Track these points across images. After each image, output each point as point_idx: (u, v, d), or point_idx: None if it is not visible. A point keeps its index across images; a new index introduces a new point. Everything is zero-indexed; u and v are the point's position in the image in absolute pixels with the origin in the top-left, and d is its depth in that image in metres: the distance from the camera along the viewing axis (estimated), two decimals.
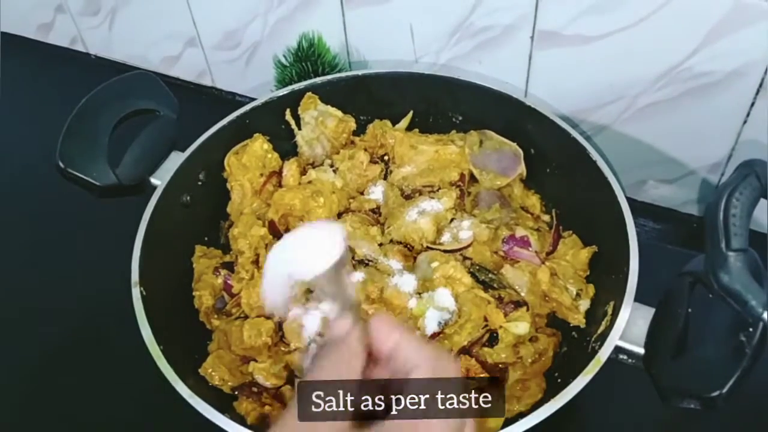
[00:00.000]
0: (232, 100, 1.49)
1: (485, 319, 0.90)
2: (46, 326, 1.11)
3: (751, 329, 0.70)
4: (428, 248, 0.97)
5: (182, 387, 0.80)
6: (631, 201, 0.93)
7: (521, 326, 0.89)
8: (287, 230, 1.02)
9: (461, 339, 0.88)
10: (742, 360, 0.70)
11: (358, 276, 0.93)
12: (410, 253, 0.98)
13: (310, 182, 1.05)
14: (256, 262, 0.98)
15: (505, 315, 0.90)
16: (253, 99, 1.15)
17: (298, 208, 1.01)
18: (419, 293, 0.91)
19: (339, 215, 1.04)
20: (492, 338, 0.90)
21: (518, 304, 0.92)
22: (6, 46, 1.55)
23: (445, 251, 0.96)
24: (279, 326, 0.93)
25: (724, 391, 0.70)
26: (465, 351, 0.88)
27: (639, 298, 0.83)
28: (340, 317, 0.66)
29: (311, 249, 0.72)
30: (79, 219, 1.26)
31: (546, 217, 1.07)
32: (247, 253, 0.98)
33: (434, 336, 0.88)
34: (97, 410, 1.02)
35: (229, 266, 1.01)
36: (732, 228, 0.71)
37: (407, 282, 0.92)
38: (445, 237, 0.99)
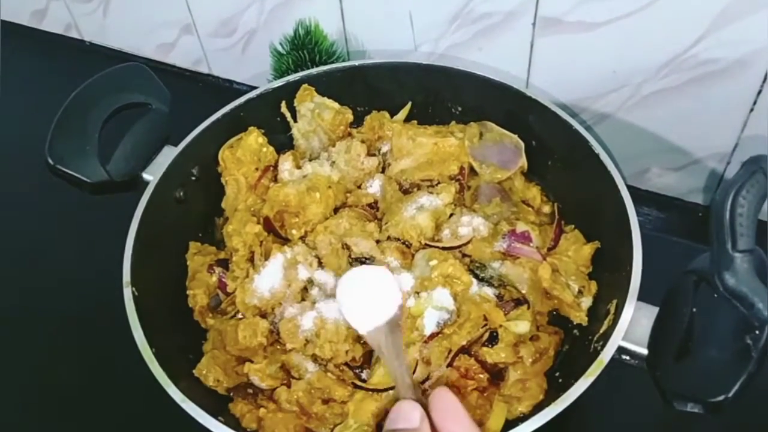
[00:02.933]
0: (229, 88, 1.48)
1: (485, 318, 0.88)
2: (36, 327, 1.10)
3: (757, 332, 0.69)
4: (426, 245, 0.95)
5: (174, 391, 0.79)
6: (635, 190, 0.92)
7: (521, 325, 0.87)
8: (282, 227, 1.00)
9: (460, 339, 0.86)
10: (747, 363, 0.68)
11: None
12: (408, 250, 0.96)
13: (305, 176, 1.03)
14: (251, 260, 0.96)
15: (506, 313, 0.88)
16: (250, 87, 1.14)
17: (294, 204, 0.98)
18: (417, 292, 0.90)
19: (335, 210, 1.02)
20: (492, 337, 0.88)
21: (519, 302, 0.90)
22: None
23: (444, 248, 0.94)
24: (274, 326, 0.92)
25: (730, 395, 0.69)
26: (464, 351, 0.87)
27: (643, 292, 0.81)
28: (407, 403, 0.69)
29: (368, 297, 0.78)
30: (70, 216, 1.24)
31: (547, 208, 1.05)
32: (241, 250, 0.96)
33: (433, 336, 0.86)
34: (91, 413, 1.02)
35: (224, 263, 0.99)
36: (738, 228, 0.70)
37: (405, 280, 0.90)
38: (444, 233, 0.97)
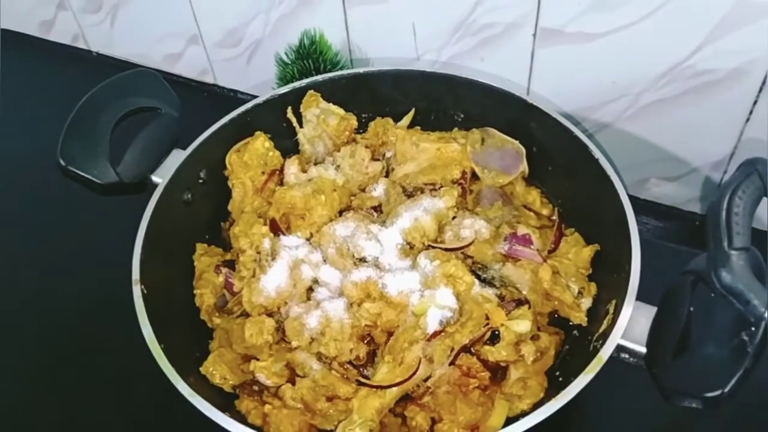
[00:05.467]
0: (234, 98, 1.49)
1: (486, 318, 0.89)
2: (47, 325, 1.11)
3: (753, 328, 0.70)
4: (430, 246, 0.97)
5: (183, 386, 0.80)
6: (633, 199, 0.93)
7: (522, 324, 0.89)
8: (288, 228, 1.01)
9: (462, 337, 0.88)
10: (744, 359, 0.70)
11: (361, 275, 0.93)
12: (412, 251, 0.98)
13: (311, 180, 1.05)
14: (258, 261, 0.98)
15: (507, 313, 0.90)
16: (254, 96, 1.15)
17: (300, 207, 1.00)
18: (421, 291, 0.91)
19: (340, 213, 1.04)
20: (493, 336, 0.90)
21: (520, 302, 0.92)
22: (7, 43, 1.55)
23: (447, 249, 0.96)
24: (280, 325, 0.93)
25: (726, 390, 0.70)
26: (466, 349, 0.88)
27: (641, 296, 0.82)
28: None
29: None
30: (80, 217, 1.26)
31: (546, 210, 1.06)
32: (248, 251, 0.98)
33: (436, 334, 0.88)
34: (98, 409, 1.02)
35: (231, 264, 1.01)
36: (734, 227, 0.71)
37: (409, 280, 0.92)
38: (447, 235, 0.99)
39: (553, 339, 0.91)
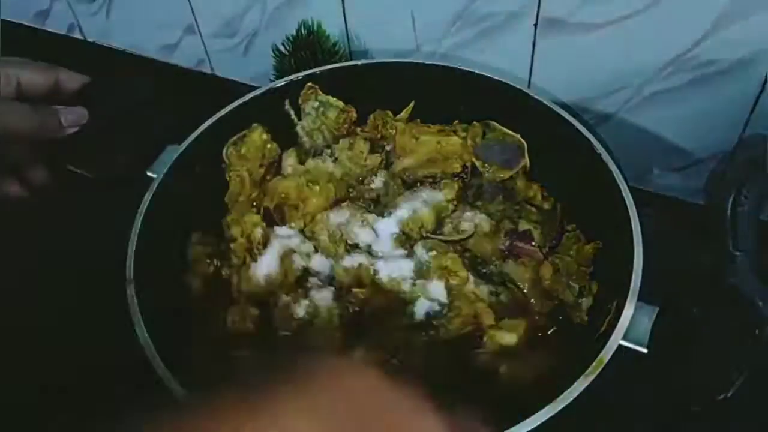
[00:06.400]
0: (232, 89, 1.47)
1: (475, 317, 0.88)
2: (37, 324, 1.10)
3: (757, 331, 0.69)
4: (428, 237, 0.96)
5: (178, 388, 0.79)
6: (636, 190, 0.91)
7: (508, 336, 0.86)
8: (282, 219, 1.01)
9: (448, 333, 0.87)
10: (748, 362, 0.69)
11: (353, 260, 0.93)
12: (408, 241, 0.97)
13: (307, 171, 1.04)
14: (249, 250, 0.97)
15: (500, 317, 0.88)
16: (253, 87, 1.13)
17: (294, 197, 1.00)
18: (413, 280, 0.90)
19: (336, 203, 1.03)
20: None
21: (520, 311, 0.90)
22: (2, 33, 1.53)
23: (445, 241, 0.95)
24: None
25: (730, 394, 0.69)
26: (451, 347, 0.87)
27: (643, 295, 0.80)
28: None
29: None
30: (74, 214, 1.24)
31: (547, 205, 1.05)
32: (239, 239, 0.97)
33: (421, 325, 0.88)
34: (94, 409, 1.02)
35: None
36: (739, 227, 0.70)
37: (402, 267, 0.91)
38: (446, 228, 0.98)
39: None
